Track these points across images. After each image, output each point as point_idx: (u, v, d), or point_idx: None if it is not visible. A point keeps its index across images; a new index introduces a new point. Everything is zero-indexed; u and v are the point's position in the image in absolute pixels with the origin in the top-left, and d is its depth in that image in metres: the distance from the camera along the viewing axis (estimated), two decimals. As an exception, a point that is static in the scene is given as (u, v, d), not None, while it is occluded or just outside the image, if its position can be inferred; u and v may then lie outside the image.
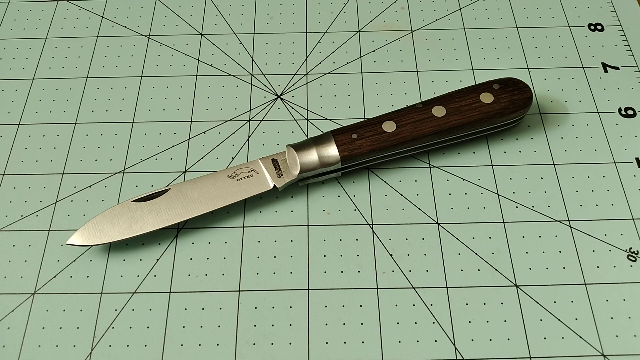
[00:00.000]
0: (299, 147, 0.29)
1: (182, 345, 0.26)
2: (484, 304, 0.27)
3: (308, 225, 0.29)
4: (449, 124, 0.29)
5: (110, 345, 0.26)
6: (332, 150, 0.28)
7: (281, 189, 0.29)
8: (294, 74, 0.35)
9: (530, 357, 0.26)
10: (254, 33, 0.37)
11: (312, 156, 0.28)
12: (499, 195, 0.30)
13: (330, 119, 0.33)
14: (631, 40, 0.36)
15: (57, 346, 0.26)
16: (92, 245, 0.28)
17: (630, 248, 0.29)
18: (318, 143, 0.29)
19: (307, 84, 0.35)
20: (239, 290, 0.28)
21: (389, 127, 0.29)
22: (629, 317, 0.27)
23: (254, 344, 0.26)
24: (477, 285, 0.28)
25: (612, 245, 0.29)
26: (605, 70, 0.35)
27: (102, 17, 0.38)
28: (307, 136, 0.32)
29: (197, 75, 0.35)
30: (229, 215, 0.30)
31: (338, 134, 0.29)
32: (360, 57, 0.36)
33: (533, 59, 0.35)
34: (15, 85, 0.35)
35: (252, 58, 0.36)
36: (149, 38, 0.37)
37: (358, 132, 0.29)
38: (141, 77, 0.35)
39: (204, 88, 0.34)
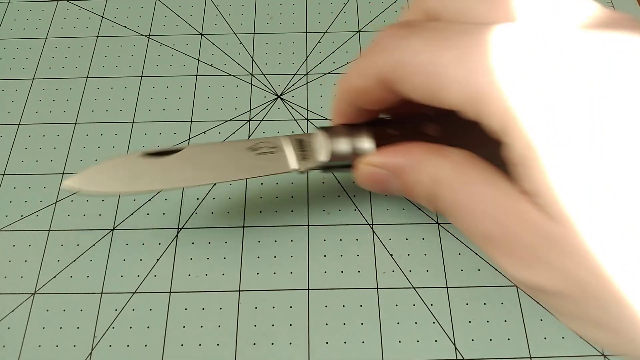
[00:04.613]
0: (330, 131, 0.26)
1: (182, 345, 0.26)
2: (484, 304, 0.27)
3: (308, 225, 0.29)
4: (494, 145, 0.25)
5: (110, 345, 0.26)
6: (366, 143, 0.25)
7: (302, 172, 0.26)
8: (294, 74, 0.35)
9: (531, 357, 0.26)
10: (254, 33, 0.37)
11: (343, 145, 0.25)
12: (499, 195, 0.30)
13: (330, 119, 0.33)
14: (631, 40, 0.36)
15: (57, 346, 0.26)
16: (89, 194, 0.24)
17: (630, 248, 0.29)
18: (351, 132, 0.25)
19: (307, 84, 0.35)
20: (239, 290, 0.28)
21: (434, 130, 0.25)
22: (629, 317, 0.27)
23: (254, 344, 0.26)
24: (477, 285, 0.28)
25: (612, 245, 0.29)
26: (605, 71, 0.35)
27: (102, 17, 0.38)
28: (307, 136, 0.32)
29: (197, 75, 0.35)
30: (229, 215, 0.30)
31: (376, 127, 0.25)
32: (361, 57, 0.36)
33: (533, 59, 0.35)
34: (15, 85, 0.35)
35: (252, 58, 0.36)
36: (149, 38, 0.37)
37: (398, 129, 0.25)
38: (141, 77, 0.35)
39: (204, 88, 0.34)
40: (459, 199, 0.17)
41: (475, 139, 0.22)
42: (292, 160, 0.26)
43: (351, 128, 0.25)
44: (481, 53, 0.15)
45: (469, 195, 0.17)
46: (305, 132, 0.32)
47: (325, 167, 0.26)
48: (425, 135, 0.24)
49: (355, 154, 0.24)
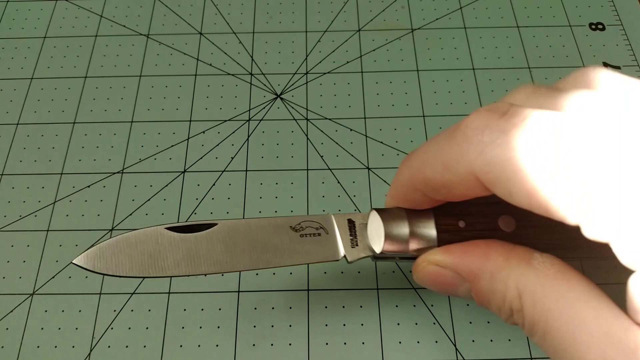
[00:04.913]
0: (387, 214, 0.21)
1: (181, 346, 0.26)
2: (485, 304, 0.27)
3: (308, 226, 0.29)
4: (584, 245, 0.17)
5: (109, 346, 0.26)
6: (429, 235, 0.20)
7: (352, 262, 0.22)
8: (294, 74, 0.35)
9: (532, 358, 0.26)
10: (253, 32, 0.37)
11: (401, 234, 0.20)
12: (499, 195, 0.30)
13: (330, 119, 0.33)
14: (632, 39, 0.36)
15: (55, 347, 0.26)
16: (102, 274, 0.21)
17: (632, 248, 0.28)
18: (413, 219, 0.20)
19: (307, 83, 0.34)
20: (239, 291, 0.27)
21: (507, 224, 0.20)
22: (631, 318, 0.27)
23: (254, 345, 0.26)
24: (477, 285, 0.27)
25: (614, 246, 0.29)
26: (607, 70, 0.35)
27: (101, 16, 0.38)
28: (307, 136, 0.32)
29: (196, 75, 0.35)
30: (228, 215, 0.30)
31: (440, 216, 0.20)
32: (361, 57, 0.35)
33: (534, 59, 0.35)
34: (14, 84, 0.35)
35: (252, 57, 0.36)
36: (148, 37, 0.37)
37: (467, 221, 0.20)
38: (140, 76, 0.35)
39: (203, 87, 0.34)
40: (549, 320, 0.14)
41: (556, 239, 0.19)
42: (341, 246, 0.21)
43: (412, 213, 0.21)
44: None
45: (564, 317, 0.14)
46: (306, 131, 0.32)
47: (378, 257, 0.21)
48: (495, 229, 0.20)
49: (415, 245, 0.20)
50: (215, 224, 0.21)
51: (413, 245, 0.20)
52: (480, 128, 0.14)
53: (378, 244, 0.20)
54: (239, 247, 0.21)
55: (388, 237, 0.20)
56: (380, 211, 0.21)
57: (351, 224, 0.22)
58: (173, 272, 0.20)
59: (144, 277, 0.21)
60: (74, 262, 0.21)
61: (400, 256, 0.21)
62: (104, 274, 0.21)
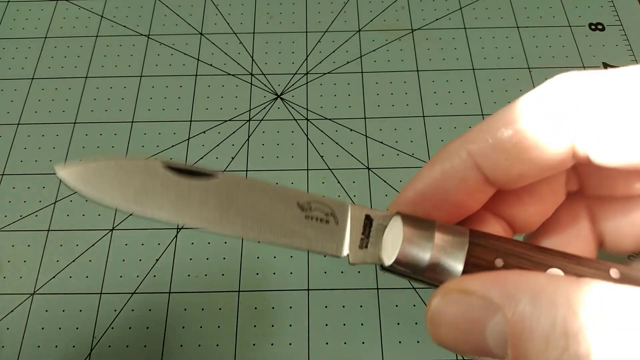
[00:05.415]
0: (411, 224, 0.17)
1: (181, 345, 0.26)
2: (485, 304, 0.27)
3: (308, 226, 0.29)
4: None
5: (109, 346, 0.26)
6: (456, 260, 0.17)
7: (353, 264, 0.19)
8: (294, 74, 0.35)
9: (531, 358, 0.26)
10: (253, 33, 0.37)
11: (423, 248, 0.17)
12: (499, 195, 0.30)
13: (330, 119, 0.33)
14: (632, 39, 0.36)
15: (56, 346, 0.26)
16: (82, 195, 0.18)
17: (632, 248, 0.28)
18: (442, 236, 0.17)
19: (307, 83, 0.35)
20: (239, 291, 0.28)
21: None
22: (630, 318, 0.27)
23: (254, 345, 0.26)
24: (477, 285, 0.27)
25: (613, 246, 0.29)
26: (606, 70, 0.35)
27: (102, 16, 0.38)
28: (307, 136, 0.32)
29: (196, 75, 0.35)
30: (228, 215, 0.30)
31: (476, 247, 0.17)
32: (361, 57, 0.36)
33: (534, 59, 0.35)
34: (15, 84, 0.35)
35: (252, 58, 0.36)
36: (148, 38, 0.37)
37: (506, 261, 0.17)
38: (141, 76, 0.35)
39: (204, 88, 0.34)
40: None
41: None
42: (347, 243, 0.18)
43: (443, 230, 0.17)
44: None
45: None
46: (306, 132, 0.32)
47: (388, 269, 0.18)
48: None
49: (433, 273, 0.17)
50: (216, 176, 0.18)
51: (430, 272, 0.17)
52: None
53: (389, 256, 0.18)
54: (234, 208, 0.18)
55: (403, 252, 0.17)
56: (405, 218, 0.17)
57: (368, 220, 0.19)
58: (155, 215, 0.18)
59: (122, 211, 0.19)
60: (57, 172, 0.18)
61: (412, 277, 0.18)
62: (84, 197, 0.18)
